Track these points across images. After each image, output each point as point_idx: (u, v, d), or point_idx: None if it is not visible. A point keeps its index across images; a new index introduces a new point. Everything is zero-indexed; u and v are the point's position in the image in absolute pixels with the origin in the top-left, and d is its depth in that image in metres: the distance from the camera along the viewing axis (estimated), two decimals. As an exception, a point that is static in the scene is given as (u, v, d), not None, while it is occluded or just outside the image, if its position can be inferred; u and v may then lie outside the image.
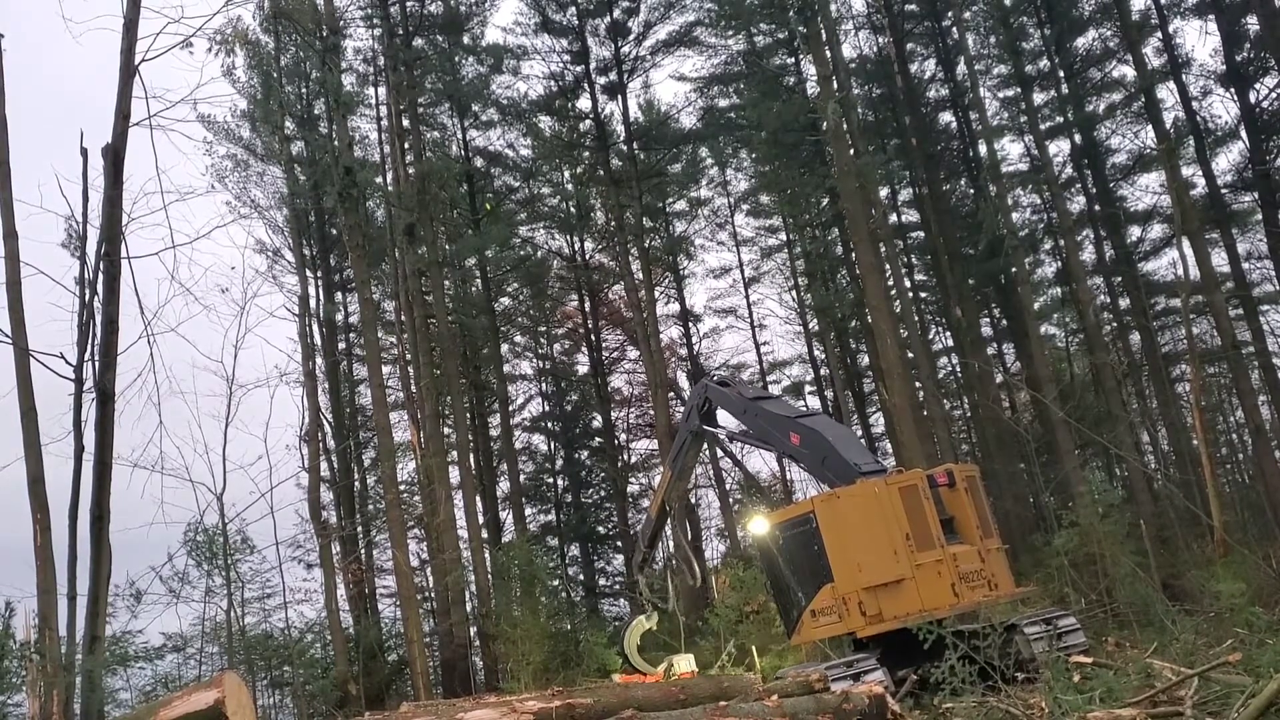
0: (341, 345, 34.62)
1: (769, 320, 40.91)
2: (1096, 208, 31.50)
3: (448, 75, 31.46)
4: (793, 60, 32.83)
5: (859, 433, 34.13)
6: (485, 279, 34.34)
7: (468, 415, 33.34)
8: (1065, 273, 31.97)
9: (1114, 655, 13.68)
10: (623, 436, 38.57)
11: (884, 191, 31.63)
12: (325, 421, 31.05)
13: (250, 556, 23.65)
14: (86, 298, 17.19)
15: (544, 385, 40.02)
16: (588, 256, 37.68)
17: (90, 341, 16.57)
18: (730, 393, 17.12)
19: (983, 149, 29.52)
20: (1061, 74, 30.48)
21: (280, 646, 23.86)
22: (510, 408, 36.08)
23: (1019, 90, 30.58)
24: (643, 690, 9.19)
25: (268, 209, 33.08)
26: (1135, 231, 32.42)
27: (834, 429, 15.66)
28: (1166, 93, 28.85)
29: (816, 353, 38.02)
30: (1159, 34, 28.97)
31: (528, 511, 35.89)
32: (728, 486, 37.39)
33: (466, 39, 32.20)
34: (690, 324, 38.64)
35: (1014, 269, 28.06)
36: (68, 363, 16.53)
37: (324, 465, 29.85)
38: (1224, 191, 28.56)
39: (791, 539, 14.67)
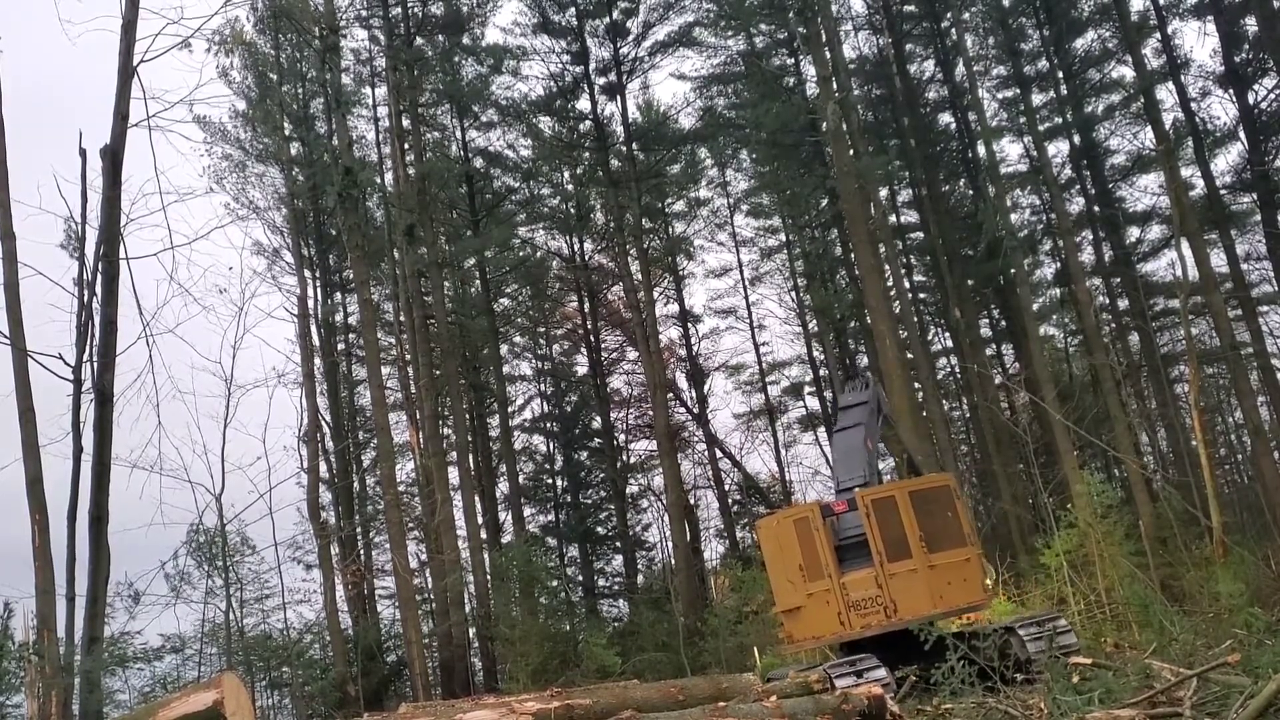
0: (340, 346, 34.61)
1: (768, 321, 40.86)
2: (1095, 209, 31.52)
3: (448, 76, 31.43)
4: (792, 61, 32.82)
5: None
6: (485, 279, 34.33)
7: (467, 416, 33.31)
8: (1064, 273, 31.98)
9: (1113, 656, 13.69)
10: (622, 437, 38.55)
11: (883, 192, 31.62)
12: (324, 422, 31.05)
13: (250, 557, 23.69)
14: (85, 299, 17.18)
15: (543, 386, 40.02)
16: (587, 257, 37.66)
17: (89, 342, 16.56)
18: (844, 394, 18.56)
19: (982, 150, 29.53)
20: (1060, 75, 30.49)
21: (279, 647, 23.88)
22: (510, 408, 36.07)
23: (1018, 91, 30.58)
24: (642, 691, 9.17)
25: (266, 209, 33.10)
26: (1134, 232, 32.46)
27: (840, 446, 16.22)
28: (1165, 94, 28.91)
29: (816, 353, 38.04)
30: (1158, 35, 29.00)
31: (527, 512, 35.86)
32: (726, 487, 37.44)
33: (467, 39, 32.17)
34: (689, 324, 38.66)
35: (1013, 270, 28.07)
36: (66, 364, 16.53)
37: (323, 466, 29.86)
38: (1223, 192, 28.59)
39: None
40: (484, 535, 30.72)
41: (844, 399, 18.00)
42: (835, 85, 24.81)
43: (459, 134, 33.72)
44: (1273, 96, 27.35)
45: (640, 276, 31.32)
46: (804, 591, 13.90)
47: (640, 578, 34.73)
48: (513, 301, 38.78)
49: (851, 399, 17.35)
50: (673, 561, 29.61)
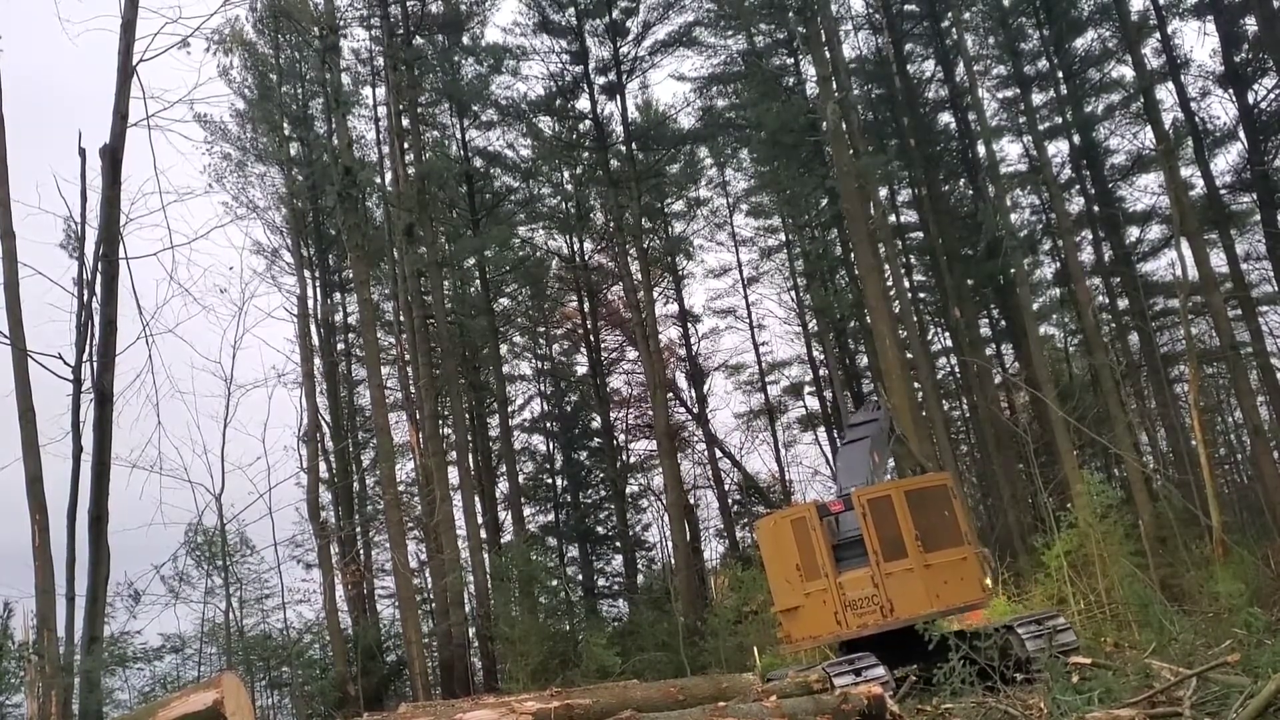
0: (340, 346, 34.61)
1: (768, 320, 40.85)
2: (1095, 208, 31.51)
3: (448, 75, 31.43)
4: (792, 60, 32.80)
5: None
6: (484, 279, 34.31)
7: (467, 416, 33.31)
8: (1064, 273, 31.97)
9: (1113, 656, 13.70)
10: (622, 437, 38.55)
11: (883, 192, 31.60)
12: (324, 422, 31.05)
13: (250, 557, 23.68)
14: (85, 298, 17.19)
15: (543, 386, 40.01)
16: (587, 257, 37.68)
17: (89, 342, 16.56)
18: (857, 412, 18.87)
19: (982, 149, 29.52)
20: (1060, 74, 30.47)
21: (279, 647, 23.86)
22: (509, 408, 36.05)
23: (1018, 91, 30.56)
24: (641, 690, 9.18)
25: (266, 209, 33.09)
26: (1134, 232, 32.46)
27: (845, 456, 16.37)
28: (1165, 93, 28.90)
29: (815, 353, 38.03)
30: (1158, 35, 28.99)
31: (527, 512, 35.84)
32: (726, 487, 37.43)
33: (466, 39, 32.17)
34: (689, 324, 38.65)
35: (1013, 269, 28.06)
36: (66, 363, 16.54)
37: (323, 466, 29.86)
38: (1222, 192, 28.60)
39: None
40: (484, 535, 30.72)
41: (853, 418, 18.29)
42: (835, 85, 24.82)
43: (459, 134, 33.71)
44: (1273, 96, 27.35)
45: (640, 276, 31.31)
46: (801, 591, 13.95)
47: (640, 578, 34.71)
48: (513, 301, 38.76)
49: (861, 418, 17.66)
50: (673, 561, 29.61)
